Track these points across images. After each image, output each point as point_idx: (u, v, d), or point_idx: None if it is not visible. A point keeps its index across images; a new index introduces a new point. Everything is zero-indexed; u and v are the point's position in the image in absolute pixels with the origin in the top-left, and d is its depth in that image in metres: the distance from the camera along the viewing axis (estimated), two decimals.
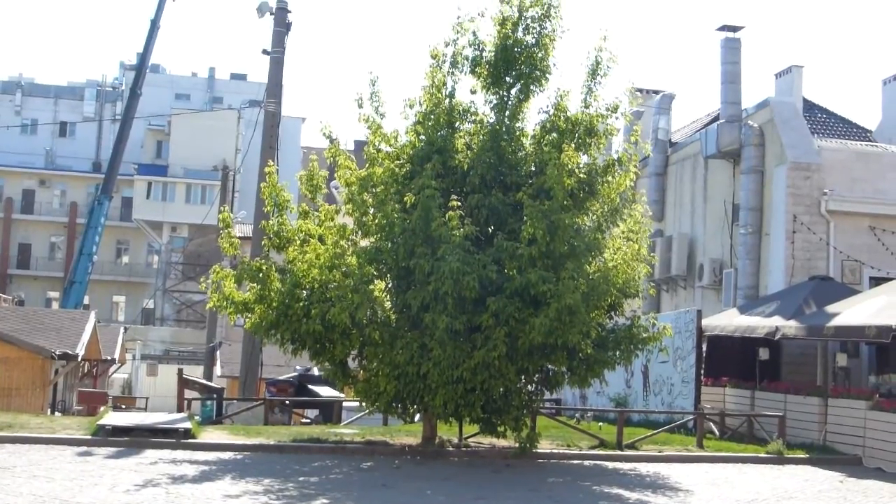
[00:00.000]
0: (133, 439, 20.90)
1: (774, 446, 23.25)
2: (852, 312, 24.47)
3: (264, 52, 30.34)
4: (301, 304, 20.42)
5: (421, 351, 20.00)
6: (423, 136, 21.70)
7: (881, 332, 22.60)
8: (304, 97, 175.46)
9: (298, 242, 21.66)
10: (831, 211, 29.78)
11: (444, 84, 22.00)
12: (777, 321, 26.01)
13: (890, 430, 22.50)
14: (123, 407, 40.80)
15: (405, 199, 20.33)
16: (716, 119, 35.13)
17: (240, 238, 23.57)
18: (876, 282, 28.92)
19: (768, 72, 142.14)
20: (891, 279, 27.78)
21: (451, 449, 21.81)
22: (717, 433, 26.10)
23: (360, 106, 22.09)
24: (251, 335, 26.19)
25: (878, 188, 30.29)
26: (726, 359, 29.17)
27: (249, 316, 21.51)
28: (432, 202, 19.77)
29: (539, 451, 21.62)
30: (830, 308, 25.46)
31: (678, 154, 37.84)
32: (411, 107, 22.16)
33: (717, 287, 33.29)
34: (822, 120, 37.68)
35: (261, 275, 21.31)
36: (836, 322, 24.32)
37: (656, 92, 41.34)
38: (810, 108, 36.81)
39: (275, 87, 30.31)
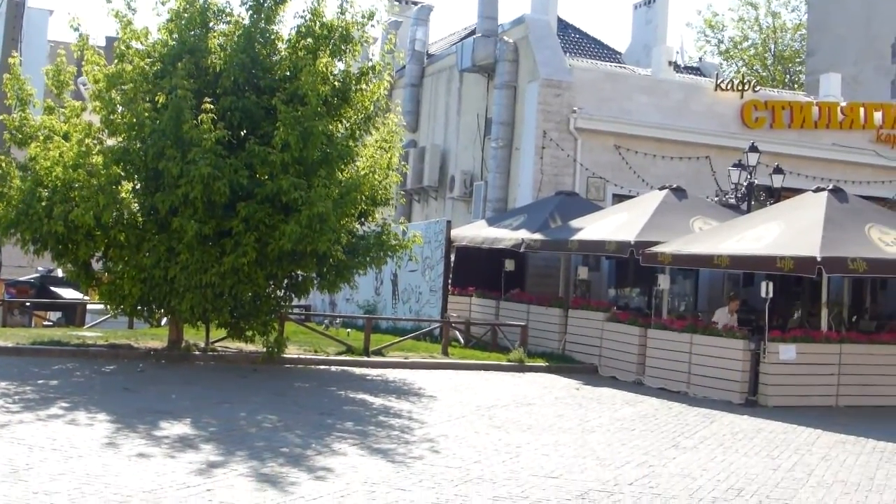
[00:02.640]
0: None
1: (516, 355, 23.95)
2: (595, 228, 25.38)
3: None
4: (43, 203, 19.70)
5: (168, 254, 19.79)
6: (175, 35, 21.11)
7: (621, 247, 23.59)
8: None
9: (42, 139, 20.84)
10: (579, 129, 30.50)
11: None
12: (523, 234, 26.70)
13: (624, 341, 23.51)
14: None
15: (157, 98, 19.82)
16: (473, 33, 35.41)
17: None
18: (618, 199, 30.00)
19: None
20: (632, 197, 28.85)
21: (197, 353, 21.61)
22: (463, 341, 26.69)
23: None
24: None
25: (624, 108, 31.20)
26: (474, 269, 29.66)
27: None
28: (184, 103, 19.37)
29: (287, 356, 21.68)
30: (574, 223, 26.31)
31: (434, 66, 37.99)
32: (164, 3, 21.51)
33: (467, 199, 33.79)
34: (575, 40, 38.59)
35: (0, 171, 20.49)
36: (579, 236, 25.19)
37: (415, 3, 41.32)
38: (564, 27, 37.59)
39: None
